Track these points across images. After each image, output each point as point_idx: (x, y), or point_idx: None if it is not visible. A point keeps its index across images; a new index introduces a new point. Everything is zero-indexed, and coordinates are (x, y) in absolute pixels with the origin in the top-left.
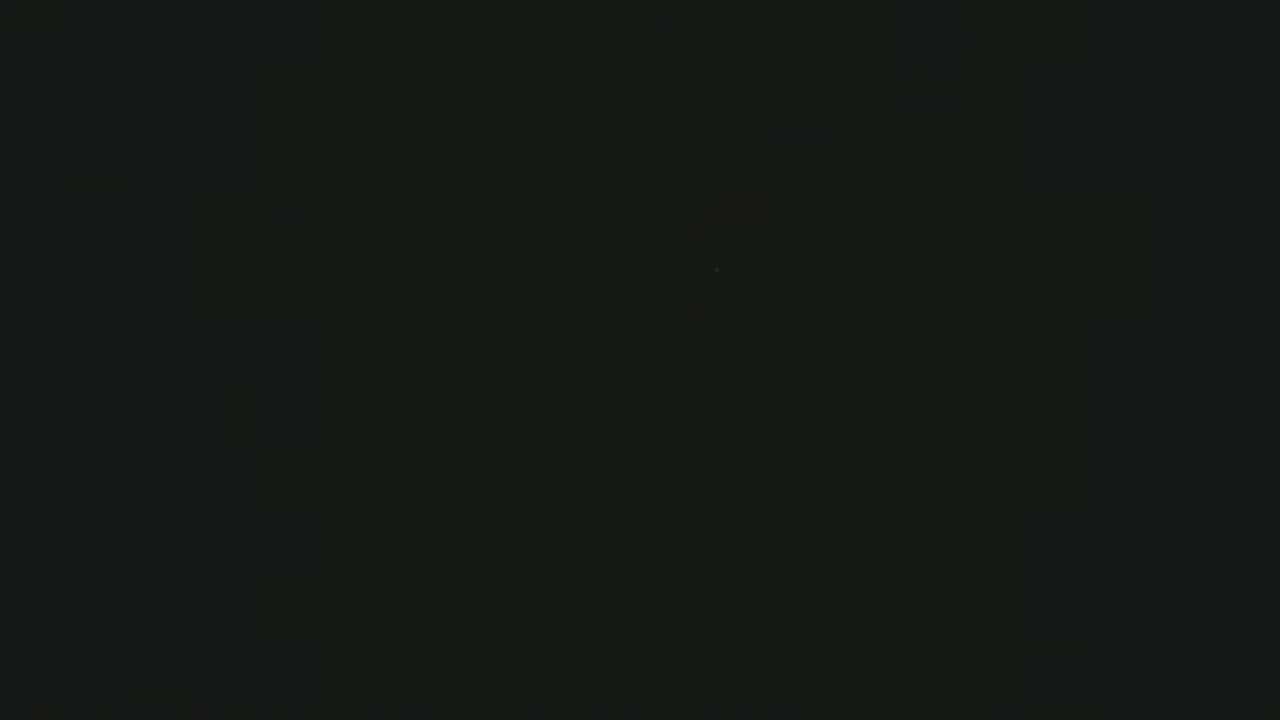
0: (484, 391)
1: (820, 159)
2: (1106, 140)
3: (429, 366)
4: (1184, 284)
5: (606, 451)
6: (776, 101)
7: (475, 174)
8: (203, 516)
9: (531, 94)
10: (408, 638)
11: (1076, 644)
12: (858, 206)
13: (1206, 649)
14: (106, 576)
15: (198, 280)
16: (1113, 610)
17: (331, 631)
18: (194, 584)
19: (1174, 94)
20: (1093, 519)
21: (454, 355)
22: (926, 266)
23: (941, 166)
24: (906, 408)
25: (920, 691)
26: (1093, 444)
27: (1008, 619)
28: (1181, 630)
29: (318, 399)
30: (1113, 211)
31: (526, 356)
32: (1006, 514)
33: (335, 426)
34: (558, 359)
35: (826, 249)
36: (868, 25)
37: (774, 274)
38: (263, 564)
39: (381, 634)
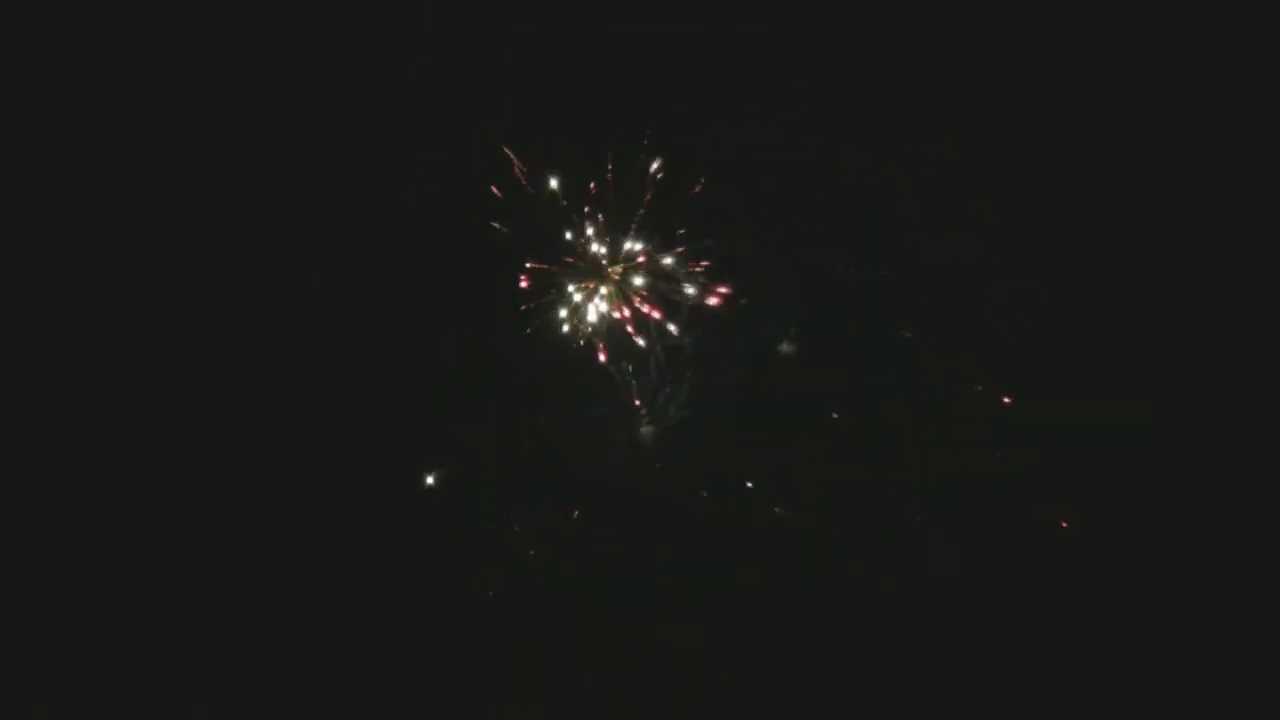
0: (481, 388)
1: (820, 158)
2: (1106, 140)
3: (430, 364)
4: (1184, 282)
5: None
6: (777, 101)
7: (477, 174)
8: (203, 514)
9: (532, 95)
10: (408, 639)
11: (1076, 644)
12: (858, 205)
13: (1206, 648)
14: (102, 575)
15: (197, 280)
16: (1112, 609)
17: (332, 631)
18: (194, 582)
19: (1174, 94)
20: (1091, 517)
21: (456, 351)
22: (926, 265)
23: (941, 166)
24: (904, 402)
25: (922, 691)
26: (1092, 440)
27: (1009, 619)
28: (1181, 629)
29: (317, 398)
30: (1113, 211)
31: (524, 352)
32: (1002, 511)
33: (336, 425)
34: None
35: (827, 246)
36: (868, 25)
37: (773, 272)
38: (261, 562)
39: (385, 636)
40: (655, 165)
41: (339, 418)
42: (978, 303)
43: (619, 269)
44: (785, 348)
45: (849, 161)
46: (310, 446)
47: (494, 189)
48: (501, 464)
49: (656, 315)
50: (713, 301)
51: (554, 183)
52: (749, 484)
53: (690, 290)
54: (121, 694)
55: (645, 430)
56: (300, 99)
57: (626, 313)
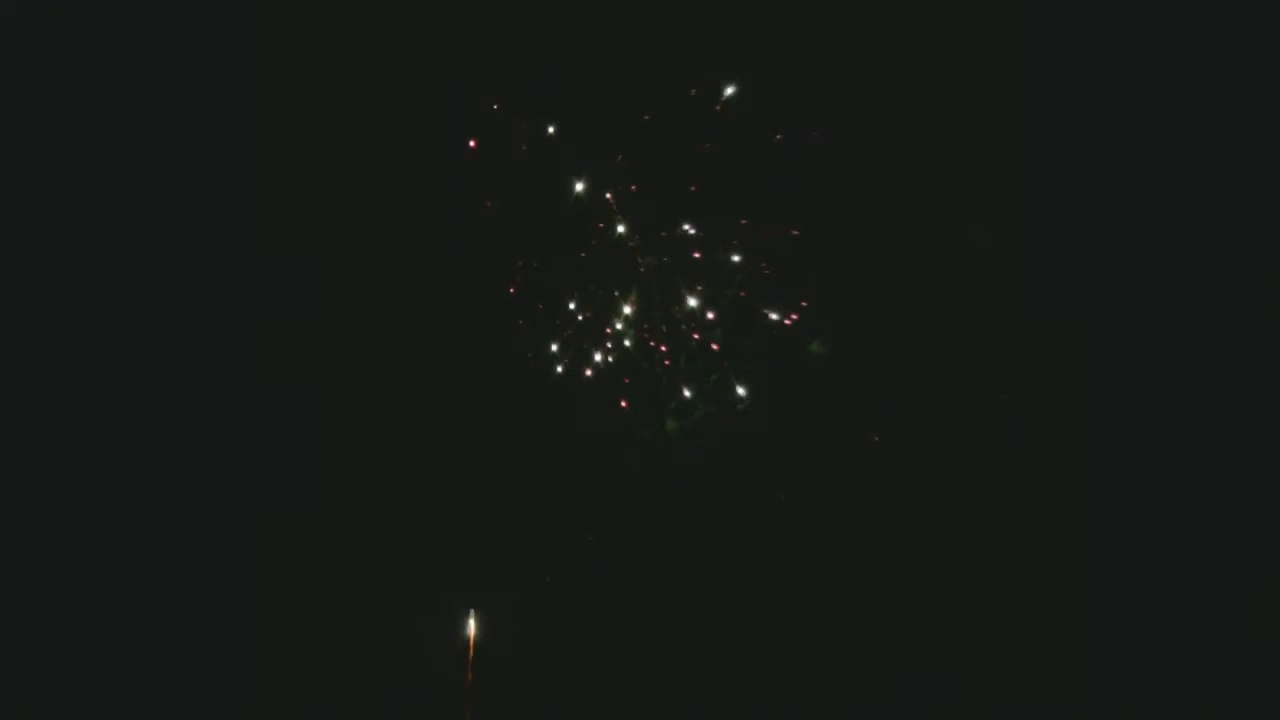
0: (483, 398)
1: (820, 158)
2: (1107, 140)
3: (430, 364)
4: (1184, 282)
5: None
6: (777, 101)
7: (480, 174)
8: (203, 514)
9: (532, 95)
10: (405, 637)
11: (1076, 644)
12: (857, 205)
13: (1206, 648)
14: (102, 575)
15: (198, 280)
16: (1112, 609)
17: (332, 632)
18: (194, 582)
19: (1174, 94)
20: (1091, 517)
21: (460, 356)
22: (926, 264)
23: (942, 166)
24: (903, 401)
25: (922, 691)
26: (1092, 439)
27: (1009, 619)
28: (1180, 629)
29: (317, 398)
30: (1112, 211)
31: (532, 352)
32: (1002, 511)
33: (335, 424)
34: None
35: (827, 246)
36: (868, 25)
37: (775, 272)
38: (261, 562)
39: (381, 634)
40: (730, 89)
41: (338, 417)
42: (978, 303)
43: (654, 261)
44: (816, 348)
45: (848, 161)
46: (310, 446)
47: (472, 142)
48: (500, 464)
49: (715, 347)
50: (790, 320)
51: (551, 130)
52: (750, 484)
53: (774, 317)
54: (121, 694)
55: (671, 426)
56: (300, 99)
57: (663, 345)
